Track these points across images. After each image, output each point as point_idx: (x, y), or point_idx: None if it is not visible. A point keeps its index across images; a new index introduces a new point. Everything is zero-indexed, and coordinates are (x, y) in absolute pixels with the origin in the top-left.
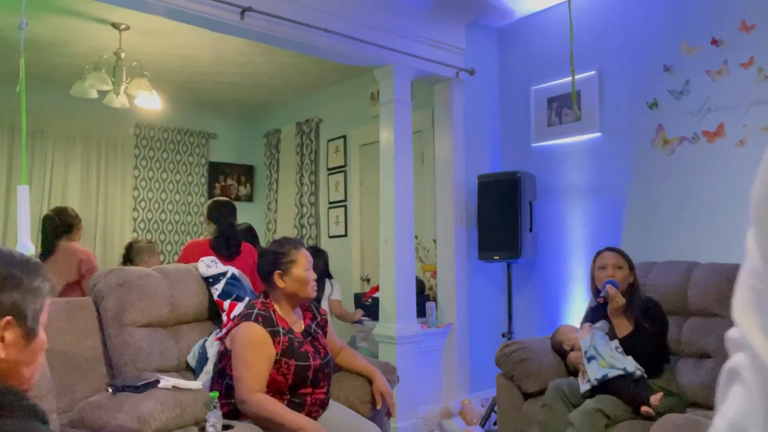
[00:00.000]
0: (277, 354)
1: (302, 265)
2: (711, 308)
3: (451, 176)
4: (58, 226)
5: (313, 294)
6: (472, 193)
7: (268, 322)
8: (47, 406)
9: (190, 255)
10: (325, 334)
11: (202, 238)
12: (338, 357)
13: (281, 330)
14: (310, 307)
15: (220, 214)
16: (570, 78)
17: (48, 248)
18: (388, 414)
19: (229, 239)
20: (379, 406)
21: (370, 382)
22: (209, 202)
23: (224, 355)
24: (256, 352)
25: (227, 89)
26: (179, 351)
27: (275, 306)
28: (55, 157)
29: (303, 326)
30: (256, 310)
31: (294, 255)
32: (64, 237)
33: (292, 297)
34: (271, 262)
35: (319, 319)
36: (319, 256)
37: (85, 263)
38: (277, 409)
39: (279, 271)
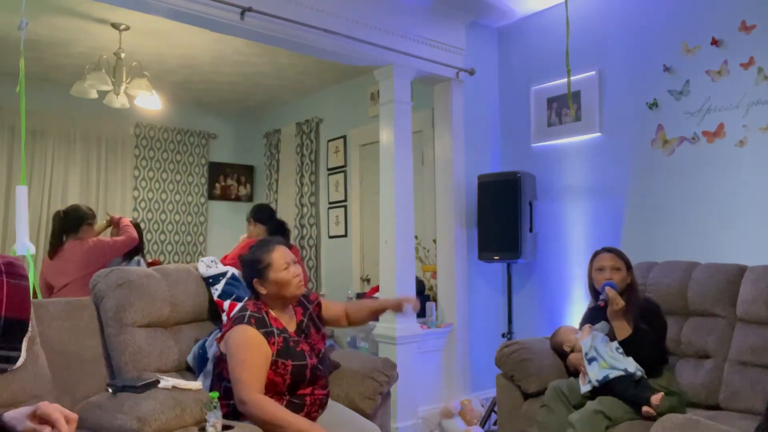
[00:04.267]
0: (273, 355)
1: (278, 267)
2: (711, 308)
3: (451, 176)
4: (64, 225)
5: (299, 291)
6: (472, 193)
7: (261, 323)
8: None
9: None
10: (317, 327)
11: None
12: (349, 317)
13: (275, 330)
14: (301, 301)
15: (267, 215)
16: (571, 78)
17: (54, 246)
18: (415, 308)
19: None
20: (405, 311)
21: (385, 310)
22: (254, 206)
23: (220, 360)
24: (252, 353)
25: (227, 89)
26: (179, 351)
27: (267, 307)
28: (55, 157)
29: (296, 323)
30: (248, 313)
31: (267, 259)
32: (71, 235)
33: (279, 299)
34: (248, 271)
35: (310, 308)
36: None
37: (95, 241)
38: (276, 411)
39: (257, 279)
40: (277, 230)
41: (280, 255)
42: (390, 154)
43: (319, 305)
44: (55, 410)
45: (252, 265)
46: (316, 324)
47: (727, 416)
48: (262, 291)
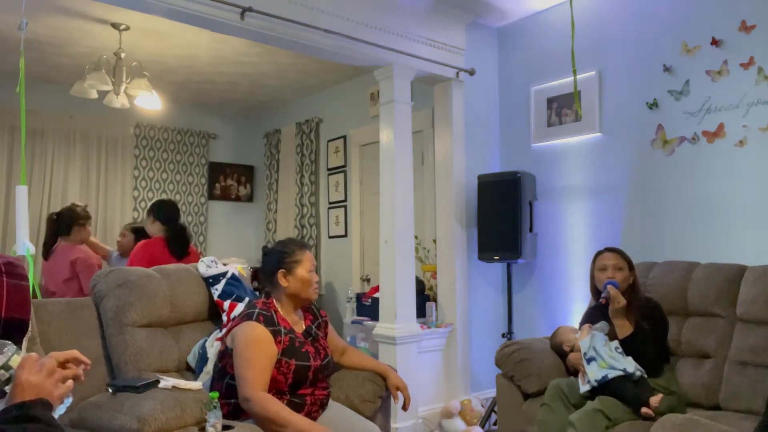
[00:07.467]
0: (278, 353)
1: (306, 267)
2: (711, 308)
3: (451, 176)
4: (56, 227)
5: (315, 296)
6: (472, 193)
7: (269, 321)
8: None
9: (152, 255)
10: (325, 335)
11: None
12: (344, 357)
13: (282, 330)
14: (311, 309)
15: (170, 214)
16: (570, 78)
17: (48, 247)
18: (405, 407)
19: (183, 239)
20: (397, 401)
21: (383, 378)
22: (155, 201)
23: (224, 355)
24: (258, 351)
25: (227, 89)
26: (179, 351)
27: (277, 306)
28: (55, 157)
29: (304, 327)
30: (257, 310)
31: (299, 256)
32: (63, 237)
33: (293, 297)
34: (275, 260)
35: (320, 320)
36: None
37: (81, 262)
38: (279, 410)
39: (283, 270)
40: (178, 236)
41: (309, 258)
42: (390, 154)
43: (326, 323)
44: (62, 354)
45: (282, 256)
46: (324, 332)
47: (727, 416)
48: (284, 283)
